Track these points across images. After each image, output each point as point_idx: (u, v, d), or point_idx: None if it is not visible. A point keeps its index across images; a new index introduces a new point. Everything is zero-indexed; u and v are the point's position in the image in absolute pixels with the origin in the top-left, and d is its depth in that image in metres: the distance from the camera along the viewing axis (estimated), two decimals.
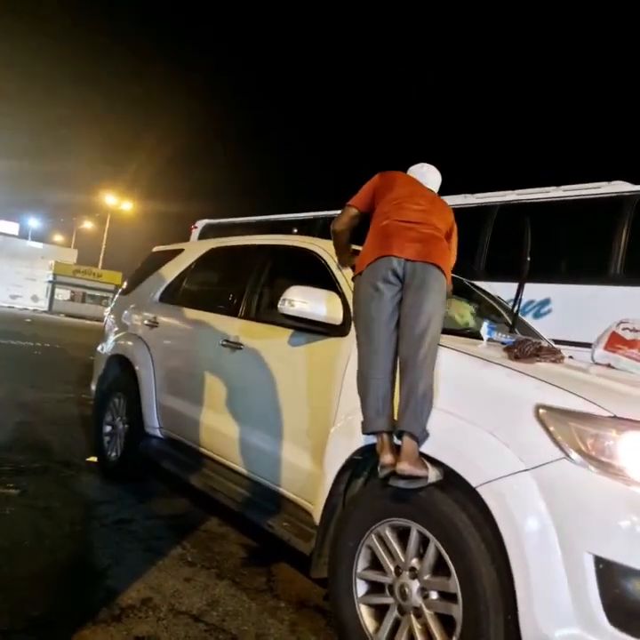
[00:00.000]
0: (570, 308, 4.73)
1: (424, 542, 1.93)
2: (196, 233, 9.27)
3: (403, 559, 1.98)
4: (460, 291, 3.43)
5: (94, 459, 4.12)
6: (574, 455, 1.66)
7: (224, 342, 3.03)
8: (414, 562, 1.95)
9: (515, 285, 5.10)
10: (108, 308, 4.76)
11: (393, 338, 2.11)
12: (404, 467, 1.87)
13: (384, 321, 2.11)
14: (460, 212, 5.55)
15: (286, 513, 2.58)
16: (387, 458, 1.95)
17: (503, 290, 5.26)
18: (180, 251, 4.20)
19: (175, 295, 3.89)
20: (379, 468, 1.99)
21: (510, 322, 2.88)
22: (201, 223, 9.30)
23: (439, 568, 1.88)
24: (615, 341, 2.32)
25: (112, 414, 4.01)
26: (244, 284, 3.20)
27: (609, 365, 2.34)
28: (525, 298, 5.02)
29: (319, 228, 6.61)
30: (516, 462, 1.73)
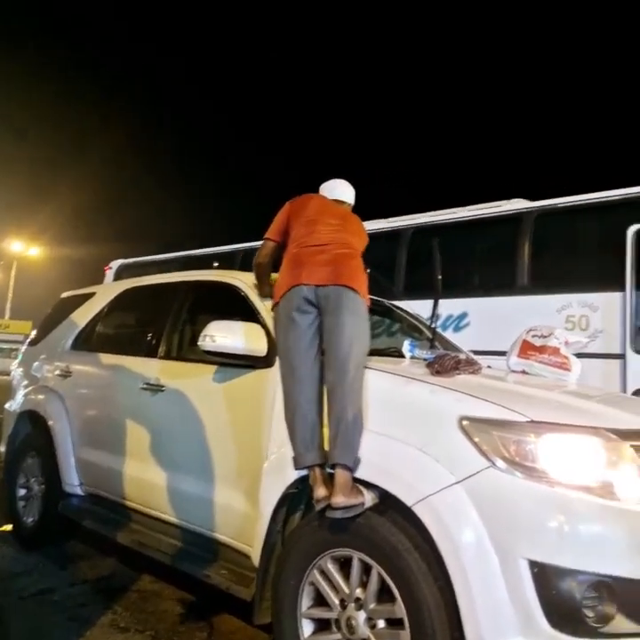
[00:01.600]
0: (485, 319, 4.94)
1: (367, 570, 1.89)
2: (110, 274, 8.95)
3: (347, 590, 1.93)
4: (382, 311, 3.50)
5: (8, 527, 3.77)
6: (499, 463, 1.70)
7: (144, 385, 2.90)
8: (359, 591, 1.91)
9: (431, 302, 5.29)
10: (16, 361, 4.45)
11: (316, 366, 2.09)
12: (339, 499, 1.84)
13: (303, 350, 2.08)
14: (377, 237, 5.76)
15: (224, 560, 2.46)
16: (320, 491, 1.91)
17: (423, 307, 5.43)
18: (92, 294, 4.02)
19: (89, 341, 3.70)
20: (314, 502, 1.94)
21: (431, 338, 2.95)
22: (115, 264, 8.99)
23: (384, 594, 1.85)
24: (527, 348, 2.43)
25: (26, 476, 3.71)
26: (162, 324, 3.09)
27: (524, 372, 2.44)
28: (445, 313, 5.22)
29: (240, 261, 6.57)
30: (447, 476, 1.74)
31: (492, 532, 1.65)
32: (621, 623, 1.58)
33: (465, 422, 1.78)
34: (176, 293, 3.17)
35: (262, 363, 2.39)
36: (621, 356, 4.27)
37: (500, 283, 4.97)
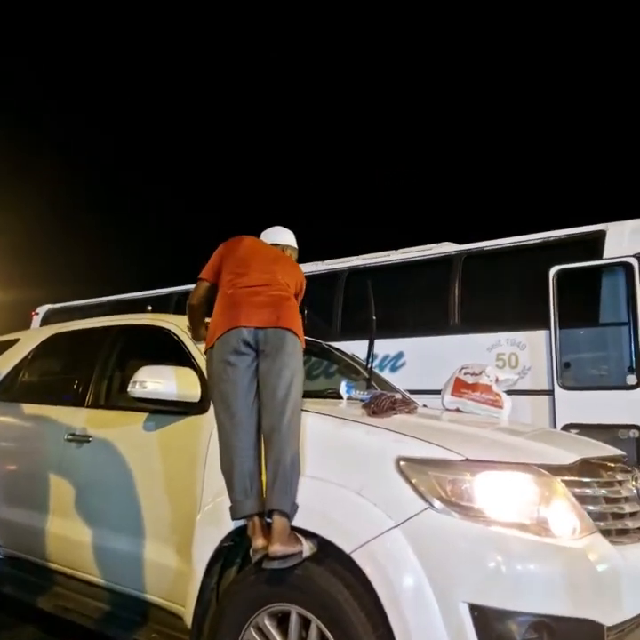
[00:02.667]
0: (421, 358, 5.04)
1: (306, 624, 1.81)
2: (37, 319, 8.52)
3: None
4: (319, 352, 3.49)
5: None
6: (437, 503, 1.69)
7: (69, 436, 2.73)
8: None
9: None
10: None
11: (254, 409, 2.04)
12: (276, 548, 1.77)
13: (242, 394, 2.03)
14: (314, 279, 5.82)
15: (155, 622, 2.30)
16: (259, 542, 1.84)
17: (360, 348, 5.49)
18: (16, 340, 3.80)
19: (10, 390, 3.47)
20: (251, 553, 1.86)
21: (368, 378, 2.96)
22: (43, 309, 8.59)
23: None
24: (460, 386, 2.48)
25: None
26: (90, 371, 2.94)
27: (458, 409, 2.48)
28: (381, 353, 5.29)
29: (174, 304, 6.43)
30: (385, 520, 1.72)
31: (431, 577, 1.62)
32: None
33: (402, 463, 1.77)
34: (105, 338, 3.05)
35: (196, 409, 2.31)
36: (550, 392, 4.44)
37: (434, 323, 5.10)
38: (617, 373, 4.31)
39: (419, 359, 5.05)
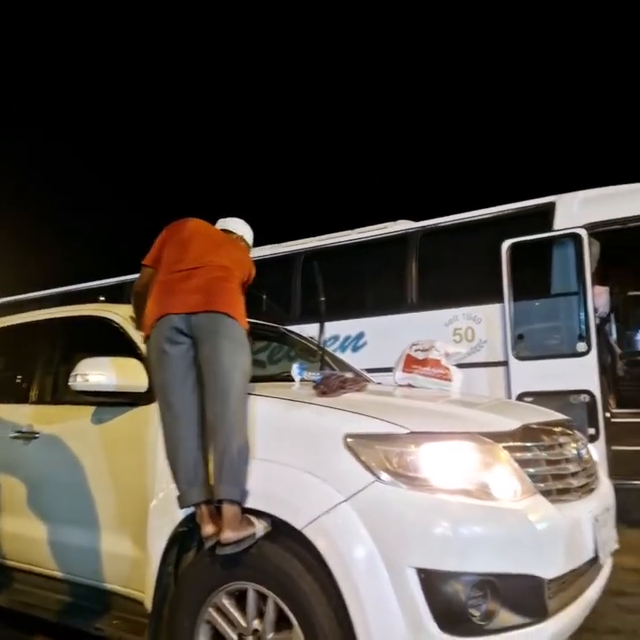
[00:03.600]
0: (381, 337, 5.10)
1: (263, 600, 1.85)
2: None
3: (244, 624, 1.88)
4: (276, 337, 3.50)
5: None
6: (384, 476, 1.73)
7: (15, 434, 2.68)
8: (256, 623, 1.86)
9: (329, 324, 5.40)
10: None
11: (194, 399, 2.00)
12: (227, 535, 1.78)
13: (178, 384, 1.99)
14: (272, 262, 5.79)
15: (117, 609, 2.31)
16: (208, 529, 1.85)
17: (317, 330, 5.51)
18: None
19: None
20: (203, 540, 1.87)
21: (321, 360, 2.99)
22: None
23: (282, 623, 1.81)
24: (410, 362, 2.53)
25: None
26: (33, 366, 2.88)
27: (409, 385, 2.53)
28: (343, 334, 5.34)
29: (128, 294, 6.31)
30: (335, 495, 1.75)
31: (380, 546, 1.67)
32: (505, 618, 1.65)
33: (349, 440, 1.81)
34: (47, 332, 2.98)
35: (143, 399, 2.28)
36: (505, 363, 4.57)
37: (392, 301, 5.16)
38: (568, 342, 4.46)
39: (379, 338, 5.11)
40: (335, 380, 2.16)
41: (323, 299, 2.83)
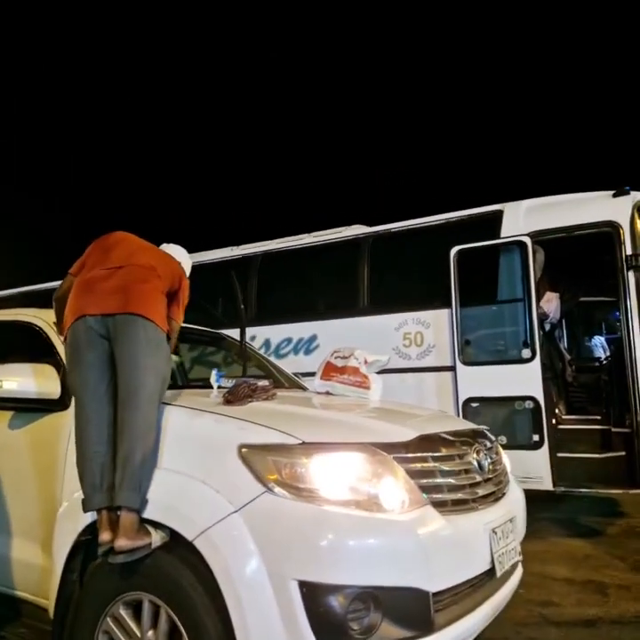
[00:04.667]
0: (333, 340, 5.09)
1: (157, 611, 1.85)
2: None
3: (139, 634, 1.87)
4: (210, 341, 3.50)
5: None
6: (274, 487, 1.74)
7: None
8: (150, 634, 1.86)
9: (282, 327, 5.40)
10: None
11: (108, 402, 2.00)
12: (122, 543, 1.78)
13: (92, 386, 1.99)
14: (228, 264, 5.79)
15: (25, 617, 2.30)
16: (105, 535, 1.85)
17: (276, 333, 5.53)
18: None
19: None
20: (98, 547, 1.87)
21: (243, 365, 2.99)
22: None
23: (176, 634, 1.81)
24: (330, 370, 2.54)
25: None
26: None
27: (328, 393, 2.54)
28: (296, 336, 5.36)
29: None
30: (226, 506, 1.76)
31: (266, 558, 1.68)
32: (387, 631, 1.66)
33: (244, 450, 1.81)
34: None
35: (56, 405, 2.28)
36: (452, 368, 4.61)
37: (344, 305, 5.19)
38: (513, 348, 4.52)
39: (331, 341, 5.08)
40: (244, 388, 2.17)
41: (242, 306, 2.84)
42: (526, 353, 4.41)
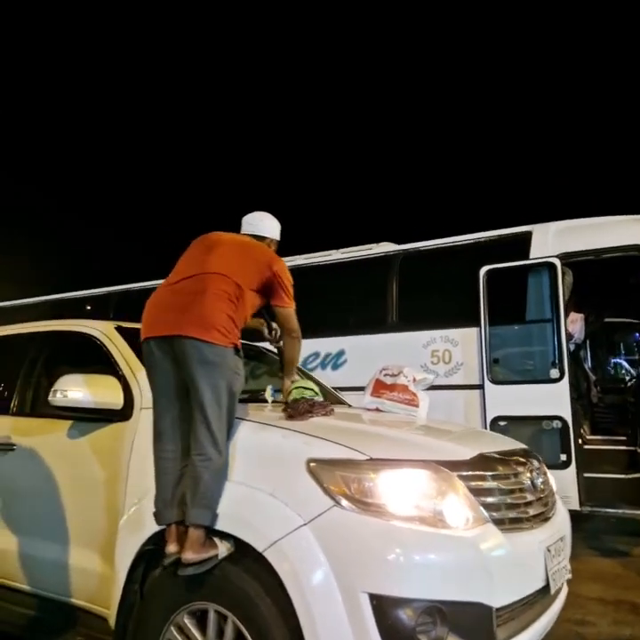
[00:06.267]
0: (361, 356, 5.18)
1: (225, 620, 1.89)
2: None
3: None
4: (255, 356, 3.56)
5: None
6: (342, 501, 1.80)
7: None
8: None
9: (310, 341, 5.45)
10: None
11: (178, 417, 2.03)
12: (189, 555, 1.83)
13: (164, 400, 2.04)
14: None
15: (81, 625, 2.34)
16: (171, 547, 1.90)
17: (305, 346, 5.58)
18: None
19: None
20: (164, 557, 1.92)
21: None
22: None
23: None
24: (379, 387, 2.60)
25: None
26: (15, 378, 2.93)
27: (377, 409, 2.60)
28: (324, 351, 5.42)
29: (114, 305, 6.34)
30: (295, 519, 1.81)
31: (336, 570, 1.73)
32: None
33: (312, 464, 1.87)
34: (30, 345, 3.03)
35: (118, 416, 2.34)
36: (480, 387, 4.65)
37: (373, 321, 5.25)
38: (542, 368, 4.55)
39: (359, 357, 5.19)
40: (303, 403, 2.23)
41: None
42: (554, 373, 4.44)
